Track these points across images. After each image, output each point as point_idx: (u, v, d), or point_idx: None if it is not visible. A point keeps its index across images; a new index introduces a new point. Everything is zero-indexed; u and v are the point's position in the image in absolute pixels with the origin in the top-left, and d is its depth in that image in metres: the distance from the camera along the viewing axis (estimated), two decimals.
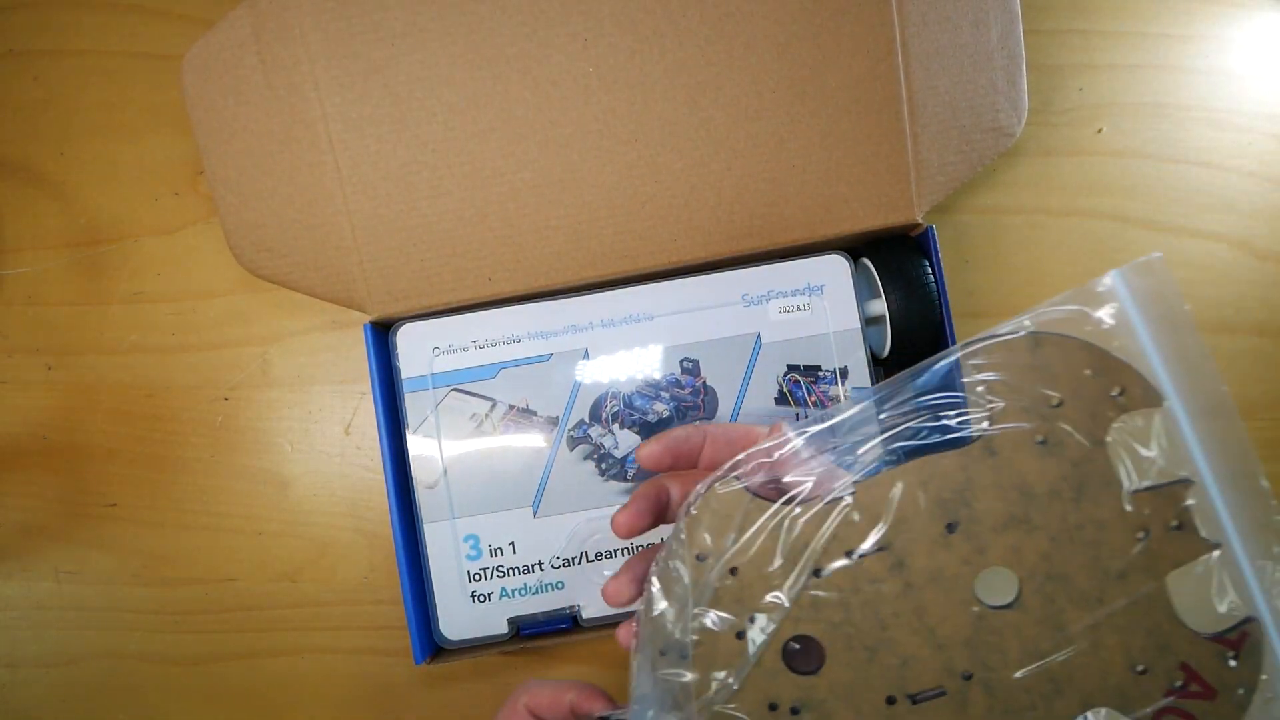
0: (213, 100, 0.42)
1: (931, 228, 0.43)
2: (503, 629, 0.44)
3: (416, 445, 0.43)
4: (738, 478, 0.33)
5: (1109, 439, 0.30)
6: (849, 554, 0.32)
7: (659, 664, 0.33)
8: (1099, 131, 0.49)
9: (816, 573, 0.32)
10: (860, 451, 0.32)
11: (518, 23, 0.41)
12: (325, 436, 0.49)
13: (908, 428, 0.32)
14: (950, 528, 0.31)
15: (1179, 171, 0.49)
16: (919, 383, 0.31)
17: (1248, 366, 0.48)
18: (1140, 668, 0.30)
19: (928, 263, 0.43)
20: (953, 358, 0.31)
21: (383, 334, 0.44)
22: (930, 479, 0.31)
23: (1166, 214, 0.48)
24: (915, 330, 0.43)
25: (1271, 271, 0.48)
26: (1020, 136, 0.43)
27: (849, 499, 0.32)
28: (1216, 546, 0.29)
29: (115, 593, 0.49)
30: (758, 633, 0.32)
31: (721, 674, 0.32)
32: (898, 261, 0.43)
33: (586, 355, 0.43)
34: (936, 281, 0.43)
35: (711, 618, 0.33)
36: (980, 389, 0.31)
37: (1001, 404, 0.31)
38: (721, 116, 0.42)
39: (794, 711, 0.32)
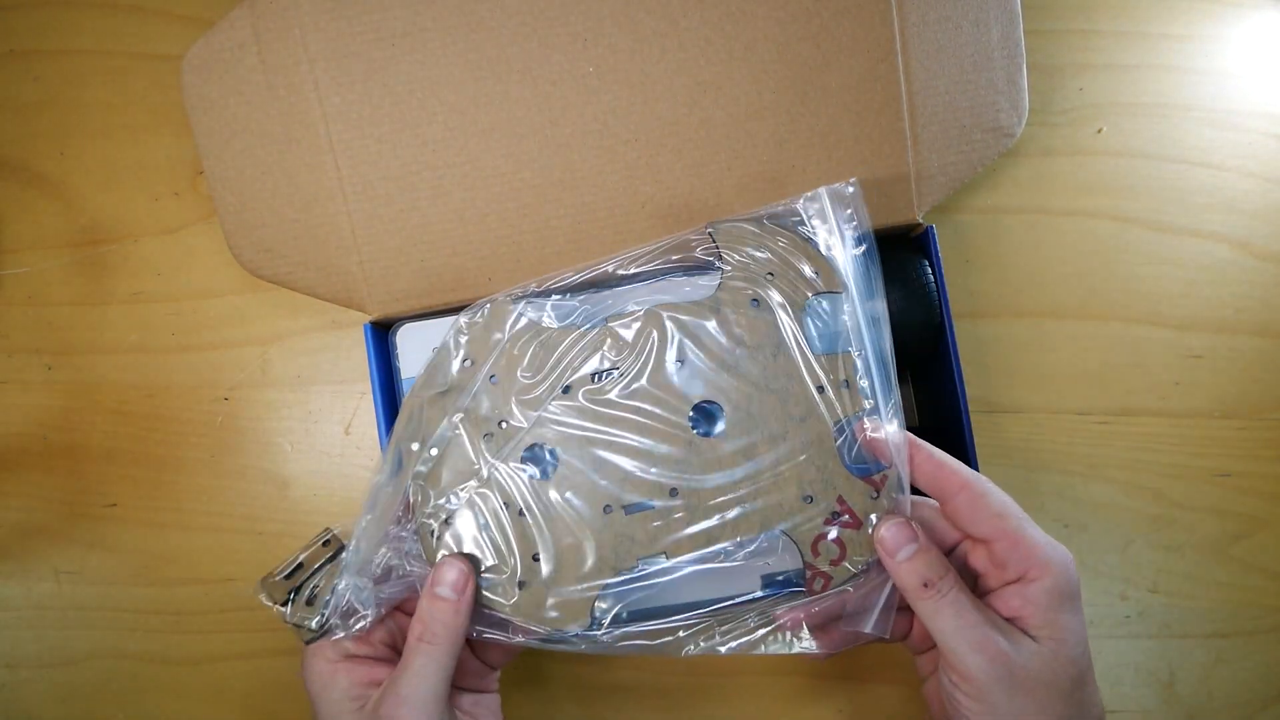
0: (213, 100, 0.42)
1: (931, 228, 0.43)
2: None
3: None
4: (514, 298, 0.39)
5: (805, 309, 0.38)
6: (595, 375, 0.38)
7: (408, 453, 0.38)
8: (1099, 131, 0.49)
9: (566, 389, 0.38)
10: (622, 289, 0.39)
11: (518, 23, 0.41)
12: (325, 436, 0.49)
13: (658, 280, 0.39)
14: (679, 363, 0.38)
15: (1179, 171, 0.49)
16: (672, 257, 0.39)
17: (1248, 366, 0.48)
18: (809, 496, 0.37)
19: (928, 263, 0.43)
20: (700, 229, 0.39)
21: (383, 334, 0.44)
22: (670, 322, 0.38)
23: (1166, 214, 0.48)
24: (915, 330, 0.43)
25: (1271, 271, 0.48)
26: (1020, 136, 0.43)
27: (603, 329, 0.38)
28: (870, 402, 0.37)
29: (115, 593, 0.49)
30: (505, 438, 0.38)
31: (468, 470, 0.37)
32: (898, 261, 0.43)
33: None
34: (936, 281, 0.43)
35: (467, 419, 0.38)
36: (716, 259, 0.38)
37: (730, 269, 0.38)
38: (721, 116, 0.42)
39: (521, 513, 0.37)
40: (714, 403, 0.37)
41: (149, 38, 0.50)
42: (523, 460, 0.38)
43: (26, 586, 0.49)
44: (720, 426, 0.37)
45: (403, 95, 0.42)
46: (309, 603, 0.36)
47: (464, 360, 0.38)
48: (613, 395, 0.38)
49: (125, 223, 0.50)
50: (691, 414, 0.38)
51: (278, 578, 0.36)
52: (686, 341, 0.38)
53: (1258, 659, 0.47)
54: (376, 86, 0.42)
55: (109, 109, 0.50)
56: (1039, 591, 0.33)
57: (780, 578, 0.38)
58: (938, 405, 0.45)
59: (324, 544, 0.38)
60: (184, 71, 0.42)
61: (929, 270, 0.43)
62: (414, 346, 0.43)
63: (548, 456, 0.38)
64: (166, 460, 0.49)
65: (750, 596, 0.38)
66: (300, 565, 0.37)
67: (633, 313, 0.38)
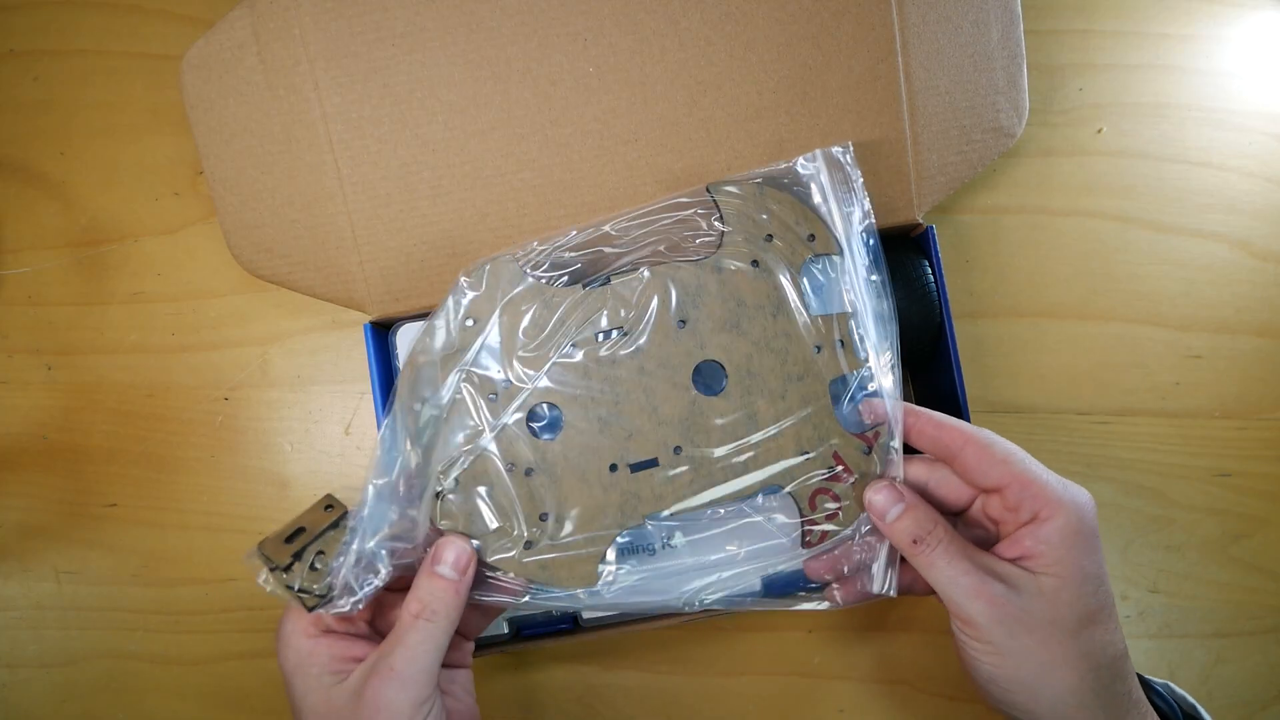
0: (212, 100, 0.42)
1: (931, 228, 0.43)
2: (503, 629, 0.44)
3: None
4: (515, 258, 0.38)
5: (802, 271, 0.38)
6: (598, 335, 0.38)
7: (412, 416, 0.37)
8: (1099, 131, 0.49)
9: (569, 349, 0.38)
10: (621, 246, 0.39)
11: (518, 23, 0.41)
12: (325, 436, 0.49)
13: (659, 241, 0.39)
14: (681, 323, 0.38)
15: (1179, 171, 0.49)
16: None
17: (1248, 366, 0.48)
18: (806, 453, 0.38)
19: (927, 263, 0.43)
20: (699, 190, 0.38)
21: (383, 334, 0.44)
22: (672, 282, 0.38)
23: (1166, 214, 0.48)
24: (915, 330, 0.43)
25: (1271, 271, 0.48)
26: (1020, 136, 0.43)
27: (605, 289, 0.38)
28: (866, 362, 0.37)
29: (115, 593, 0.49)
30: (509, 398, 0.37)
31: (472, 432, 0.37)
32: (898, 261, 0.43)
33: None
34: (936, 281, 0.43)
35: (469, 380, 0.37)
36: (716, 220, 0.38)
37: (730, 230, 0.38)
38: (721, 116, 0.42)
39: (528, 473, 0.37)
40: (715, 362, 0.38)
41: (149, 38, 0.50)
42: (527, 421, 0.38)
43: (26, 586, 0.49)
44: (722, 386, 0.38)
45: (403, 95, 0.42)
46: (313, 568, 0.34)
47: (465, 319, 0.38)
48: (616, 355, 0.38)
49: (125, 223, 0.50)
50: (694, 373, 0.38)
51: (279, 541, 0.34)
52: (688, 302, 0.38)
53: (1258, 659, 0.47)
54: (376, 86, 0.42)
55: (109, 109, 0.50)
56: (1051, 531, 0.33)
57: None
58: (938, 405, 0.45)
59: (326, 509, 0.36)
60: (183, 71, 0.42)
61: (929, 270, 0.43)
62: None
63: (552, 416, 0.38)
64: (166, 460, 0.49)
65: (750, 549, 0.38)
66: (302, 530, 0.35)
67: (635, 272, 0.38)
